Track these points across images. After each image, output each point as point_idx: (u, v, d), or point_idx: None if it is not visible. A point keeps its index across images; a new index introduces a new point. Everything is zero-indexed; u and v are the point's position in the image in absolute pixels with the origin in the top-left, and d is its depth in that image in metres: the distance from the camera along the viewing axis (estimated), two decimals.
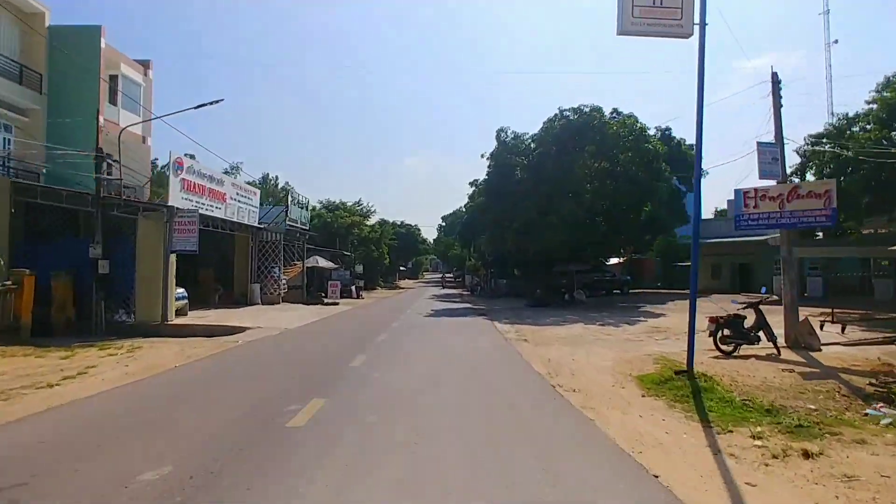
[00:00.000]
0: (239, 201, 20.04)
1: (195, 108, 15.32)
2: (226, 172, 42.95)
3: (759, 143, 12.27)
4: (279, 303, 22.47)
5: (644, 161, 25.31)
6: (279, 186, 71.56)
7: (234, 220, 19.63)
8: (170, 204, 14.53)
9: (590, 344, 11.82)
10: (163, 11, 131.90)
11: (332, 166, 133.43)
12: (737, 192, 13.58)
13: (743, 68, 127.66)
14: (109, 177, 14.33)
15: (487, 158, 27.12)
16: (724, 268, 36.57)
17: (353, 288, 34.26)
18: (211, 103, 14.93)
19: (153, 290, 14.38)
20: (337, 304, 26.26)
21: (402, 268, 78.24)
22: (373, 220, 51.58)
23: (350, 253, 38.76)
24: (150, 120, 19.27)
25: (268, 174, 68.06)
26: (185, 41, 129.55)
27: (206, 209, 17.20)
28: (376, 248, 44.98)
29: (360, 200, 48.24)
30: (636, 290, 37.84)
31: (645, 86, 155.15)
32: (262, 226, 22.43)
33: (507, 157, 26.26)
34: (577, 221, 24.27)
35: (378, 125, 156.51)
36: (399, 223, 68.15)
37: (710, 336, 10.24)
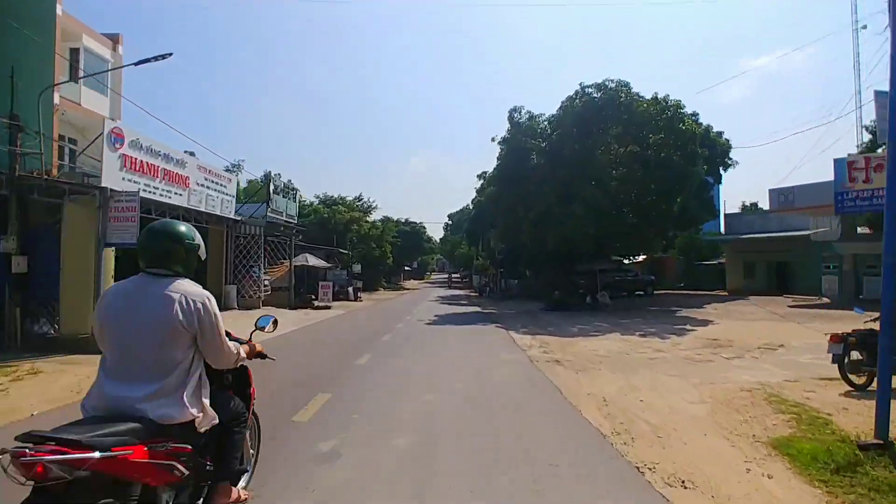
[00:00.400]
0: (208, 188, 17.02)
1: (136, 63, 12.32)
2: (227, 170, 40.16)
3: (876, 93, 9.03)
4: (259, 307, 19.42)
5: (678, 143, 22.06)
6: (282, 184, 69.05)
7: (202, 209, 16.61)
8: (103, 185, 11.53)
9: (646, 368, 8.65)
10: (168, 8, 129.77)
11: (334, 166, 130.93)
12: (838, 162, 10.30)
13: (749, 66, 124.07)
14: (27, 150, 11.36)
15: (499, 142, 23.96)
16: (759, 266, 33.18)
17: (351, 289, 31.23)
18: (156, 58, 11.90)
19: (82, 294, 11.37)
20: (329, 307, 23.23)
21: (406, 268, 75.23)
22: (376, 218, 48.54)
23: (347, 251, 35.69)
24: (72, 80, 16.36)
25: (269, 172, 65.30)
26: (189, 38, 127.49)
27: (161, 195, 14.20)
28: (377, 246, 41.86)
29: (360, 195, 45.15)
30: (659, 291, 34.75)
31: (649, 85, 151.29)
32: (238, 217, 19.40)
33: (521, 139, 23.09)
34: (602, 210, 21.07)
35: (381, 125, 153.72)
36: (403, 221, 65.12)
37: (833, 362, 7.08)
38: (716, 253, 42.19)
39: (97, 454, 1.80)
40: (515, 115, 23.83)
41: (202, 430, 2.30)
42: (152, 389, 2.14)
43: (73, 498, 1.81)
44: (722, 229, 40.28)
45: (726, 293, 32.85)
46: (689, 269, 41.81)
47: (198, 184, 16.30)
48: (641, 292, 32.71)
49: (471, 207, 48.74)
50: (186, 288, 2.33)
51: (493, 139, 24.17)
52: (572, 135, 22.62)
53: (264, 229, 19.54)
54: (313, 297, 23.75)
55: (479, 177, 40.18)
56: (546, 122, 24.35)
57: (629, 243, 22.78)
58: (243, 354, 2.65)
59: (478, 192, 42.39)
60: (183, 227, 2.45)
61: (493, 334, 13.79)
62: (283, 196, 22.24)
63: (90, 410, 2.16)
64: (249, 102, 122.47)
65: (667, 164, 21.65)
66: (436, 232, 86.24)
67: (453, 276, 76.55)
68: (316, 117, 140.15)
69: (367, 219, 42.90)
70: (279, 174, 21.07)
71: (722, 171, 27.59)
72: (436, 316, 19.65)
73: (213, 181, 17.49)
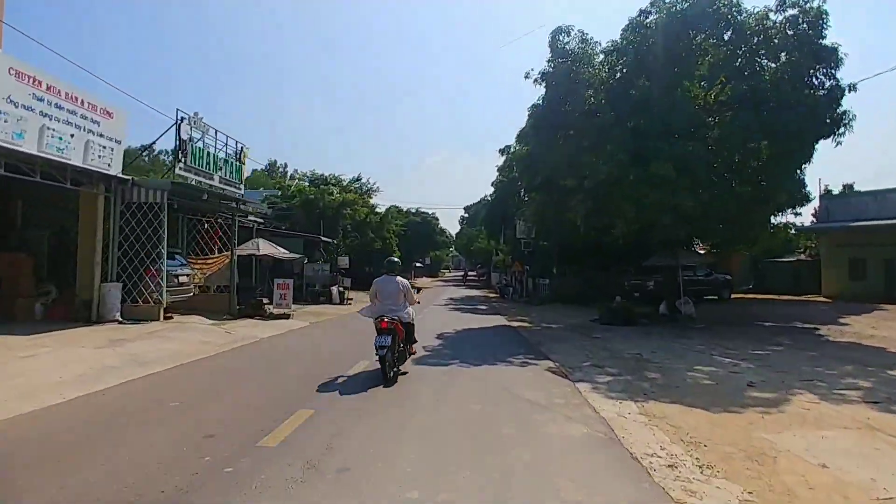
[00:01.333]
0: (50, 116, 9.96)
1: None
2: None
3: None
4: (159, 318, 12.31)
5: (812, 72, 14.46)
6: (288, 175, 61.99)
7: (32, 151, 9.55)
8: None
9: None
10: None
11: (340, 162, 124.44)
12: None
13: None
14: None
15: (536, 80, 16.37)
16: (871, 264, 25.06)
17: (335, 290, 24.06)
18: None
19: None
20: (287, 316, 16.06)
21: (417, 264, 67.87)
22: (378, 203, 41.18)
23: (334, 240, 28.43)
24: None
25: (275, 161, 58.43)
26: (223, 42, 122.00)
27: None
28: (376, 236, 34.51)
29: (359, 176, 37.83)
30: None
31: None
32: (126, 176, 12.29)
33: (571, 71, 15.51)
34: (701, 174, 13.58)
35: (397, 123, 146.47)
36: (413, 211, 57.92)
37: None
38: (788, 246, 34.32)
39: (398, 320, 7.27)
40: (561, 39, 16.19)
41: (406, 322, 7.46)
42: (397, 309, 7.31)
43: (391, 336, 6.93)
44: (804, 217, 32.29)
45: (828, 299, 24.98)
46: (754, 267, 33.98)
47: (14, 102, 9.20)
48: (714, 296, 25.08)
49: (490, 195, 41.27)
50: (401, 279, 7.60)
51: (526, 75, 16.61)
52: (647, 65, 15.09)
53: (168, 194, 12.32)
54: (266, 301, 16.59)
55: (502, 151, 32.77)
56: (603, 54, 16.74)
57: (735, 226, 15.05)
58: (417, 300, 8.12)
59: (499, 170, 34.88)
60: (396, 259, 8.42)
61: (555, 406, 6.14)
62: (206, 144, 14.68)
63: (375, 314, 7.27)
64: (255, 91, 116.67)
65: (794, 104, 14.05)
66: (450, 226, 79.12)
67: (469, 272, 69.21)
68: (322, 110, 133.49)
69: (366, 203, 35.49)
70: (199, 114, 13.35)
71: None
72: (438, 338, 12.26)
73: (62, 107, 10.38)
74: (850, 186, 32.38)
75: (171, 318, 13.65)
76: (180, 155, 12.75)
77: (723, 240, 15.80)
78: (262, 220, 21.78)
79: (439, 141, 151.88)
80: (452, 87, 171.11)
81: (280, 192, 35.45)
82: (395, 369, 7.09)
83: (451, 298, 30.77)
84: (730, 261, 33.13)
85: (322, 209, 29.93)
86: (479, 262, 66.10)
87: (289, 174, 60.86)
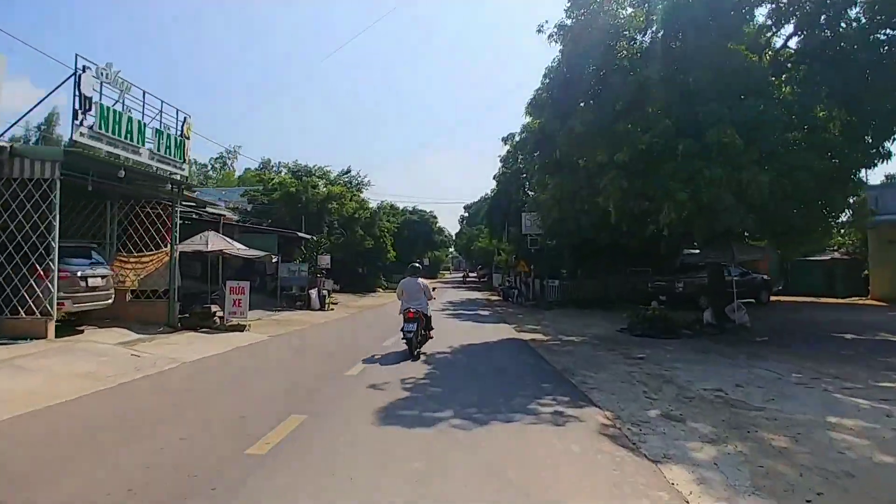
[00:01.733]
0: None
1: None
2: (220, 157, 29.36)
3: None
4: (45, 335, 9.03)
5: None
6: (281, 173, 58.70)
7: None
8: None
9: None
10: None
11: (338, 160, 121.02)
12: None
13: None
14: None
15: (552, 36, 13.07)
16: None
17: (315, 294, 20.79)
18: None
19: None
20: (243, 328, 12.87)
21: (416, 265, 64.75)
22: (373, 200, 37.91)
23: (313, 236, 25.14)
24: None
25: (269, 160, 55.11)
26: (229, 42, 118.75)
27: None
28: (366, 233, 31.21)
29: (348, 169, 34.60)
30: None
31: None
32: (2, 144, 9.07)
33: (599, 16, 12.23)
34: (773, 145, 10.39)
35: (396, 119, 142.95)
36: (410, 209, 54.75)
37: None
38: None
39: (421, 311, 9.53)
40: None
41: (426, 314, 9.63)
42: (419, 303, 9.42)
43: (416, 323, 9.23)
44: None
45: (882, 302, 21.84)
46: (781, 266, 30.72)
47: None
48: (751, 299, 21.78)
49: (492, 190, 38.05)
50: (422, 280, 9.95)
51: (538, 30, 13.34)
52: (692, 10, 11.85)
53: (63, 167, 9.09)
54: (217, 308, 13.35)
55: (505, 140, 29.63)
56: (632, 7, 13.47)
57: (812, 211, 11.74)
58: (434, 297, 10.66)
59: (502, 160, 31.71)
60: (417, 264, 11.76)
61: None
62: (155, 122, 11.65)
63: (402, 307, 9.46)
64: (251, 89, 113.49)
65: (884, 55, 10.94)
66: (450, 225, 75.93)
67: (469, 273, 66.09)
68: (319, 107, 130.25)
69: (355, 197, 32.18)
70: (112, 65, 10.19)
71: None
72: (426, 363, 9.01)
73: None
74: (894, 177, 29.12)
75: (81, 331, 10.50)
76: (81, 116, 9.50)
77: (791, 228, 12.43)
78: (226, 213, 18.57)
79: (439, 138, 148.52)
80: (452, 84, 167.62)
81: (261, 186, 32.29)
82: (418, 349, 9.23)
83: (450, 302, 27.56)
84: (754, 260, 29.86)
85: (305, 203, 26.72)
86: (480, 263, 62.94)
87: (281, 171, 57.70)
